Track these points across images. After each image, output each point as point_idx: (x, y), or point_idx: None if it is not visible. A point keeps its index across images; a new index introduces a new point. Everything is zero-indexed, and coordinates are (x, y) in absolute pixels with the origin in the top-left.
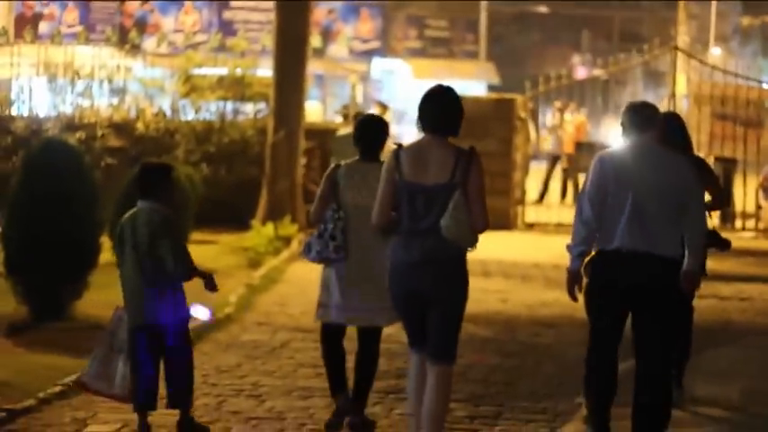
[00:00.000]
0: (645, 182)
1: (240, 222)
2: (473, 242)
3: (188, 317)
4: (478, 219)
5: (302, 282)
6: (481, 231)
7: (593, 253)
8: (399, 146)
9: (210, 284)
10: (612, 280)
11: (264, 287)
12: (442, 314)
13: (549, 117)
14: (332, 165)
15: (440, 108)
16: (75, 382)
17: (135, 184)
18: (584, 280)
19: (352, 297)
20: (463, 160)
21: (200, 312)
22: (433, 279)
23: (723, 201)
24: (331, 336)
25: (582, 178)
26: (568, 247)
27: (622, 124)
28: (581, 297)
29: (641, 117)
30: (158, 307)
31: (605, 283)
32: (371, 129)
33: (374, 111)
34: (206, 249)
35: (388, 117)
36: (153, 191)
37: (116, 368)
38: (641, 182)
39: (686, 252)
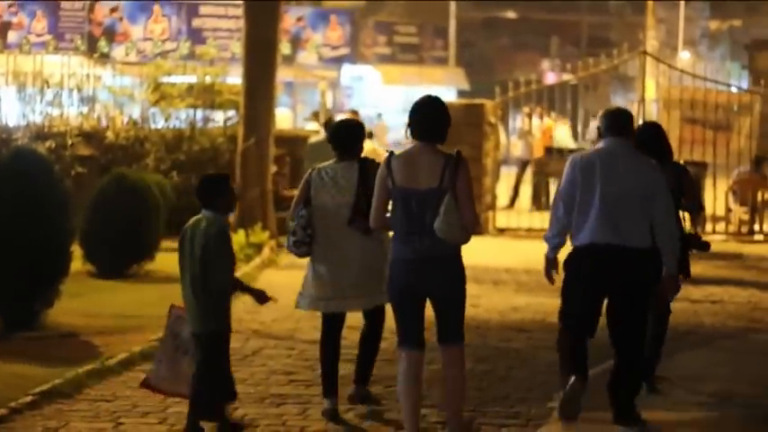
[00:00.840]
0: (613, 181)
1: None
2: (465, 240)
3: (229, 329)
4: (469, 219)
5: (274, 288)
6: (472, 229)
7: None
8: (391, 153)
9: (261, 299)
10: (587, 271)
11: (235, 295)
12: (446, 305)
13: (518, 122)
14: (308, 170)
15: (428, 117)
16: (141, 384)
17: (196, 195)
18: (561, 268)
19: (323, 288)
20: (451, 165)
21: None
22: (432, 275)
23: (700, 206)
24: (327, 326)
25: (552, 183)
26: (545, 238)
27: (599, 128)
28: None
29: (616, 122)
30: (209, 312)
31: (581, 273)
32: (345, 131)
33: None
34: (177, 257)
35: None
36: (213, 200)
37: (183, 369)
38: (610, 181)
39: (662, 256)
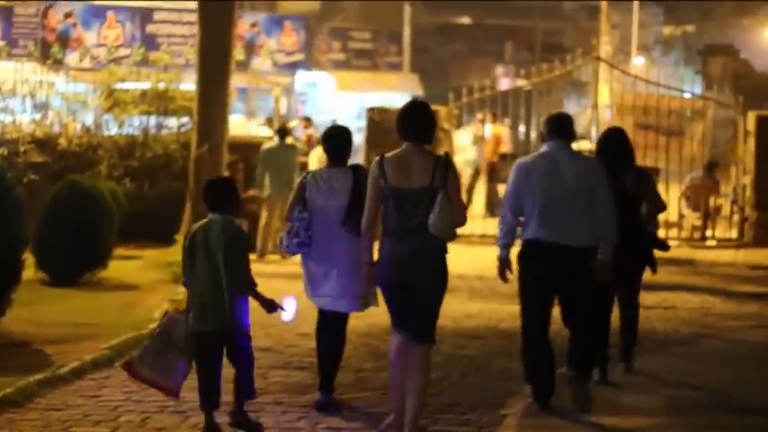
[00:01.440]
0: (554, 182)
1: (164, 237)
2: (454, 236)
3: (248, 325)
4: (459, 216)
5: None
6: (460, 226)
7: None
8: (382, 156)
9: (270, 307)
10: (534, 267)
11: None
12: (423, 301)
13: (472, 128)
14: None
15: (417, 120)
16: (123, 365)
17: (204, 200)
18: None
19: (316, 285)
20: (441, 165)
21: (288, 310)
22: (422, 270)
23: (663, 206)
24: (322, 320)
25: (501, 188)
26: (497, 239)
27: (542, 132)
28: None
29: (558, 125)
30: (227, 314)
31: (530, 269)
32: (338, 139)
33: (300, 125)
34: (130, 264)
35: (311, 131)
36: (221, 204)
37: (167, 361)
38: (551, 182)
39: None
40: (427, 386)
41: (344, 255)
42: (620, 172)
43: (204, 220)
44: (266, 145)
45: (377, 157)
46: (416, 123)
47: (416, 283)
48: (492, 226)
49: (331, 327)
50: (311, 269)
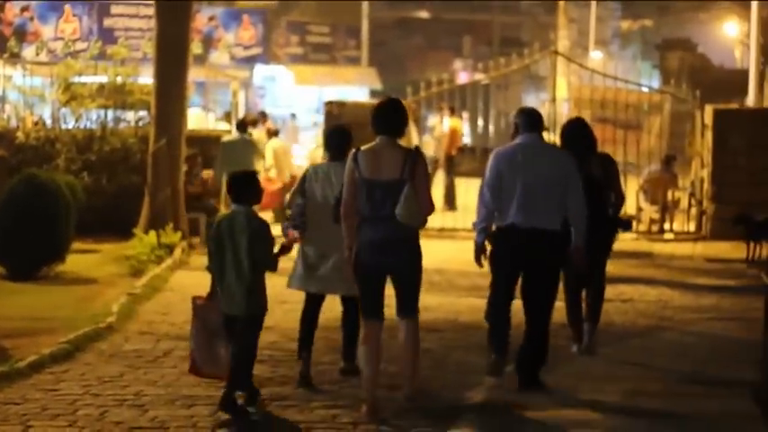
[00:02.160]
0: (532, 171)
1: (122, 231)
2: (422, 224)
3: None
4: (426, 205)
5: (185, 290)
6: (428, 214)
7: (494, 228)
8: (358, 149)
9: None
10: (508, 248)
11: (147, 296)
12: (404, 281)
13: (430, 121)
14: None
15: (389, 115)
16: (189, 370)
17: (228, 191)
18: (488, 249)
19: (312, 270)
20: (410, 159)
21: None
22: (395, 254)
23: (622, 197)
24: (309, 302)
25: (459, 182)
26: (474, 225)
27: (515, 125)
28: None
29: (531, 119)
30: (253, 298)
31: (503, 250)
32: (338, 137)
33: (259, 121)
34: (88, 258)
35: (269, 125)
36: (244, 196)
37: (218, 353)
38: (529, 171)
39: (572, 230)
40: (419, 352)
41: (341, 241)
42: (584, 159)
43: (226, 212)
44: (225, 138)
45: (353, 150)
46: (389, 119)
47: (392, 268)
48: (451, 219)
49: (316, 308)
50: (309, 254)
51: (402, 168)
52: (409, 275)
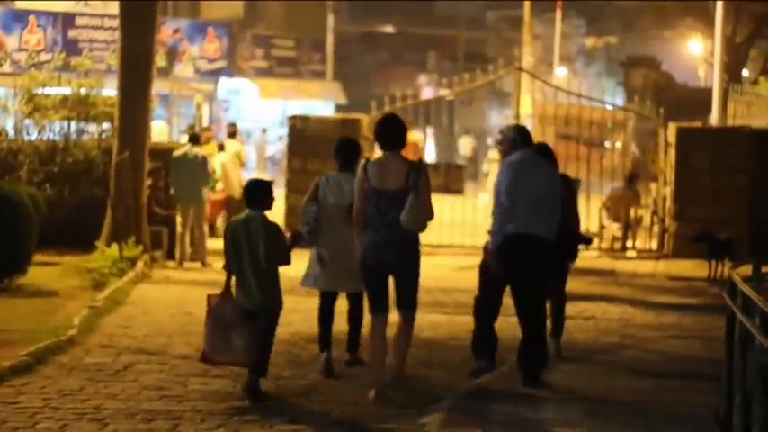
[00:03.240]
0: (537, 183)
1: (84, 243)
2: (423, 228)
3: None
4: (428, 212)
5: (147, 303)
6: (429, 220)
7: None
8: (367, 160)
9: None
10: (516, 253)
11: (108, 309)
12: (405, 279)
13: None
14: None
15: (392, 131)
16: (200, 359)
17: (245, 197)
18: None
19: (325, 270)
20: (414, 171)
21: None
22: (396, 254)
23: (578, 218)
24: (324, 300)
25: None
26: (493, 232)
27: (514, 140)
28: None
29: (527, 137)
30: (269, 293)
31: (512, 255)
32: (348, 148)
33: (225, 132)
34: (49, 271)
35: (237, 138)
36: (260, 202)
37: (233, 343)
38: (535, 182)
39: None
40: (410, 341)
41: (351, 244)
42: None
43: (242, 216)
44: (177, 152)
45: (363, 162)
46: (392, 133)
47: (394, 266)
48: None
49: (331, 305)
50: (323, 255)
51: (406, 179)
52: (408, 274)
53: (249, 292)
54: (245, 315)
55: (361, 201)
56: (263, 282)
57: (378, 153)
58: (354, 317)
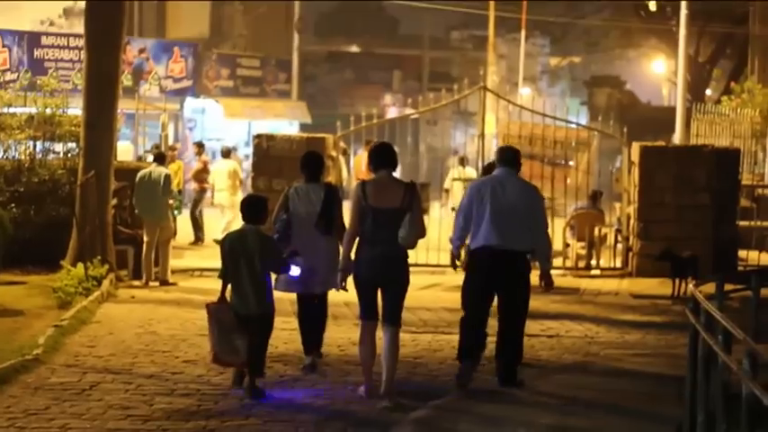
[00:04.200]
0: (502, 199)
1: (50, 263)
2: (415, 245)
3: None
4: (421, 230)
5: (112, 322)
6: (421, 238)
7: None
8: (363, 181)
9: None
10: (484, 265)
11: (74, 328)
12: (394, 293)
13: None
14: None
15: (386, 155)
16: (212, 360)
17: (242, 211)
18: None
19: (296, 275)
20: (408, 191)
21: (295, 268)
22: (388, 268)
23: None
24: (301, 302)
25: None
26: (451, 239)
27: (496, 160)
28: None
29: (506, 156)
30: (263, 301)
31: (480, 268)
32: (313, 161)
33: (193, 150)
34: (15, 290)
35: (204, 157)
36: (256, 217)
37: (236, 346)
38: (498, 199)
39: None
40: (397, 356)
41: (320, 249)
42: None
43: (239, 229)
44: (141, 171)
45: (359, 182)
46: (386, 158)
47: (386, 280)
48: None
49: (309, 307)
50: (295, 261)
51: (402, 199)
52: (398, 289)
53: (245, 299)
54: (239, 321)
55: (356, 217)
56: (259, 290)
57: (342, 167)
58: (317, 316)
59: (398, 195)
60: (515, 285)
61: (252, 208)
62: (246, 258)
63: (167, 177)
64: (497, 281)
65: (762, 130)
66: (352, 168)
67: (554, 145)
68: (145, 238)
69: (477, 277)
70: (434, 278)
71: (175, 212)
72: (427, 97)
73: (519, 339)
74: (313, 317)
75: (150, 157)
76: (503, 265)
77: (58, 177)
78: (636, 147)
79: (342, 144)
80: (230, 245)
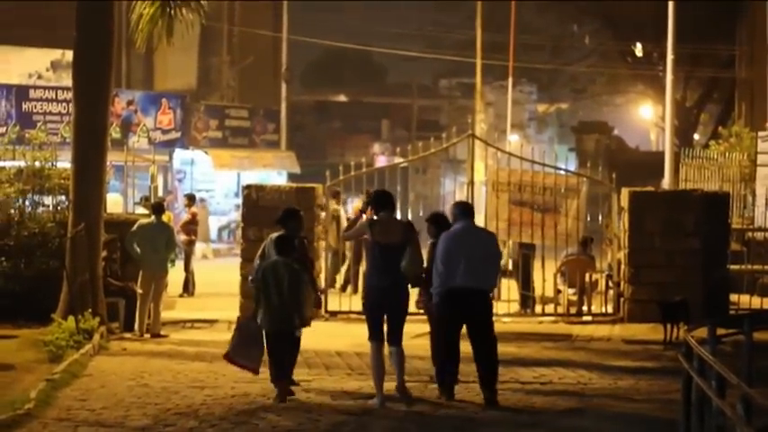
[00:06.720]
0: (472, 247)
1: (41, 316)
2: (417, 277)
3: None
4: (420, 263)
5: (104, 375)
6: (420, 269)
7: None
8: (372, 219)
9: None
10: (457, 303)
11: (66, 382)
12: (397, 317)
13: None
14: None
15: (386, 199)
16: (224, 357)
17: (274, 246)
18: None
19: (272, 314)
20: (408, 229)
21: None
22: (394, 296)
23: None
24: (268, 338)
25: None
26: (435, 288)
27: (453, 214)
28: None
29: (465, 210)
30: (289, 320)
31: (454, 305)
32: (293, 218)
33: (183, 202)
34: (5, 344)
35: (194, 209)
36: (286, 251)
37: (250, 352)
38: (470, 247)
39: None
40: (404, 363)
41: (291, 293)
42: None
43: (271, 260)
44: (141, 221)
45: (368, 219)
46: (388, 201)
47: (391, 306)
48: (346, 302)
49: (281, 343)
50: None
51: (403, 235)
52: (400, 314)
53: (275, 318)
54: (267, 336)
55: (358, 233)
56: (286, 313)
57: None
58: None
59: (400, 231)
60: (488, 315)
61: (283, 244)
62: (276, 284)
63: (172, 233)
64: (473, 312)
65: (750, 174)
66: (350, 212)
67: (543, 191)
68: (139, 291)
69: (454, 311)
70: (426, 326)
71: (169, 265)
72: (416, 145)
73: (495, 357)
74: (281, 351)
75: (139, 209)
76: (477, 299)
77: (47, 230)
78: (625, 192)
79: (336, 188)
80: (263, 273)
